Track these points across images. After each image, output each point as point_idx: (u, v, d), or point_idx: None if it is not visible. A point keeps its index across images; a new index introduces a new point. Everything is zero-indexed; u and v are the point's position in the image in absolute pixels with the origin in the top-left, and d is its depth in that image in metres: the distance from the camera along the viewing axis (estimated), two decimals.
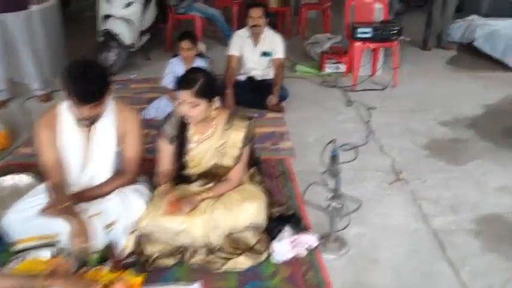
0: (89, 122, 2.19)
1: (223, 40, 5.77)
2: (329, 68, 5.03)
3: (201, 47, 5.73)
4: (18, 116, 3.96)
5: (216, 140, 2.30)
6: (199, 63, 3.86)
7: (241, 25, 4.43)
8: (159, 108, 3.83)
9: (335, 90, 4.56)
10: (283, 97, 4.07)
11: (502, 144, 3.37)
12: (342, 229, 2.40)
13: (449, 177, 2.97)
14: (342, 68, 4.98)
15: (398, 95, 4.45)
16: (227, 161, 2.32)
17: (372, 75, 4.86)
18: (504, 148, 3.32)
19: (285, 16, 6.72)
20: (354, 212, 2.59)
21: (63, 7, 5.61)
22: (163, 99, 3.88)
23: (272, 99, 3.93)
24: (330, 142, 2.28)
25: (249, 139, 2.34)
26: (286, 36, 6.37)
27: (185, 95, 2.12)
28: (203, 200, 2.25)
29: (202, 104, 2.15)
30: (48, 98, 4.26)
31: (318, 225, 2.49)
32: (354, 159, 3.20)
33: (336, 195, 2.22)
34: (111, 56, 4.97)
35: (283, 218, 2.46)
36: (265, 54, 4.15)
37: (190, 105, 2.14)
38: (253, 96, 4.07)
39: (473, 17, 6.44)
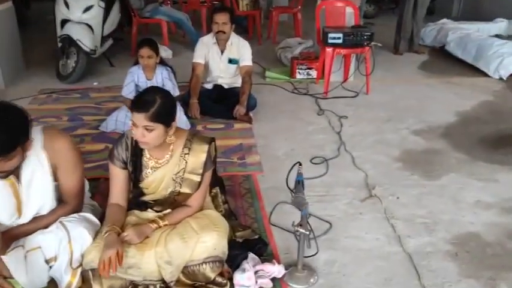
0: (5, 174, 1.86)
1: (192, 45, 5.54)
2: (300, 74, 4.86)
3: (167, 53, 5.53)
4: None
5: (172, 166, 2.08)
6: (161, 71, 3.64)
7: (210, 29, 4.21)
8: (118, 120, 3.59)
9: (306, 98, 4.40)
10: (251, 106, 3.88)
11: (476, 156, 3.26)
12: (311, 256, 2.21)
13: (423, 192, 2.83)
14: (313, 74, 4.83)
15: (370, 102, 4.31)
16: (185, 189, 2.11)
17: (343, 82, 4.72)
18: (479, 160, 3.21)
19: (255, 20, 6.53)
20: (323, 235, 2.41)
21: (22, 9, 5.30)
22: (122, 110, 3.64)
23: (239, 110, 3.73)
24: (294, 165, 2.09)
25: (210, 164, 2.13)
26: (257, 41, 6.29)
27: (139, 119, 1.90)
28: (157, 228, 2.04)
29: (158, 129, 1.93)
30: None
31: (285, 248, 2.31)
32: (324, 174, 3.03)
33: (304, 223, 2.03)
34: (70, 63, 4.70)
35: (247, 243, 2.27)
36: (231, 61, 3.96)
37: (144, 130, 1.92)
38: (220, 106, 3.87)
39: (445, 20, 6.41)
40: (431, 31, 6.17)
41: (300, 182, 2.02)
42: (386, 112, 4.05)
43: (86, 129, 3.63)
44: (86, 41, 4.62)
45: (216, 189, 2.47)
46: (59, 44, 4.72)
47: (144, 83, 3.67)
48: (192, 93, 3.80)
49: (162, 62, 3.72)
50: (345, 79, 4.77)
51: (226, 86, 4.02)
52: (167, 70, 3.68)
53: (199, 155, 2.08)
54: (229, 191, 2.76)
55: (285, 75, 4.93)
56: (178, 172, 2.08)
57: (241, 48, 3.93)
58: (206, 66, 3.99)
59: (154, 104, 1.89)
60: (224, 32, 3.80)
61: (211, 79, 4.05)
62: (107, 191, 2.21)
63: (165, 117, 1.93)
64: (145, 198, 2.14)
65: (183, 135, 2.11)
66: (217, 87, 4.02)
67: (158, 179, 2.08)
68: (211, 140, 2.15)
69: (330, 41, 4.31)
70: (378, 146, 3.42)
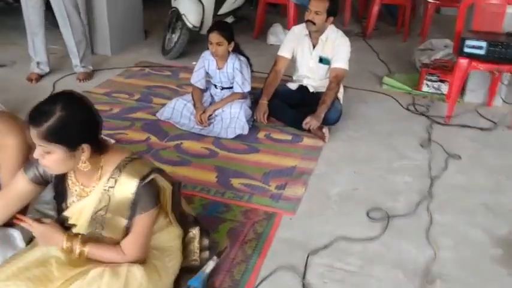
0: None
1: None
2: (428, 87, 3.81)
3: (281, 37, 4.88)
4: (37, 96, 3.65)
5: (93, 201, 1.55)
6: (233, 61, 3.10)
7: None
8: (175, 109, 3.18)
9: (420, 120, 3.38)
10: (331, 120, 3.08)
11: None
12: None
13: None
14: (445, 89, 3.73)
15: (507, 143, 3.11)
16: (109, 233, 1.57)
17: (483, 106, 3.53)
18: None
19: (405, 11, 5.45)
20: None
21: None
22: (182, 99, 3.21)
23: (311, 122, 2.97)
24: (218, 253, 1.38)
25: (144, 207, 1.54)
26: (401, 37, 5.24)
27: (33, 135, 1.41)
28: (68, 251, 1.55)
29: (56, 152, 1.41)
30: (86, 77, 3.90)
31: None
32: (373, 238, 2.16)
33: None
34: (174, 38, 4.44)
35: None
36: (322, 60, 3.19)
37: (41, 151, 1.42)
38: (296, 112, 3.16)
39: None
40: None
41: None
42: None
43: (146, 113, 3.31)
44: (191, 16, 4.29)
45: (196, 231, 1.88)
46: (169, 17, 4.50)
47: (214, 72, 3.18)
48: (264, 91, 3.16)
49: (238, 51, 3.17)
50: (488, 103, 3.57)
51: (312, 89, 3.28)
52: (240, 61, 3.12)
53: (125, 193, 1.51)
54: (233, 231, 2.13)
55: (408, 85, 3.91)
56: (100, 210, 1.54)
57: (336, 46, 3.13)
58: (293, 62, 3.31)
59: (50, 118, 1.37)
60: (313, 23, 3.05)
61: (297, 78, 3.35)
62: None
63: (65, 137, 1.40)
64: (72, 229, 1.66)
65: (116, 159, 1.55)
66: (302, 89, 3.30)
67: (77, 212, 1.58)
68: (148, 173, 1.54)
69: (466, 50, 3.19)
70: (479, 213, 2.37)
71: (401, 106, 3.59)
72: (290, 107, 3.21)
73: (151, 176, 1.54)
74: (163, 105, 3.32)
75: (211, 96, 3.29)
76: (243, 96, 3.17)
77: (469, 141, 3.09)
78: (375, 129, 3.21)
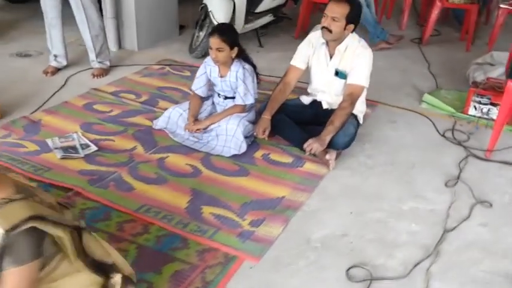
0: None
1: (369, 38, 4.35)
2: (476, 110, 3.23)
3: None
4: (46, 90, 3.53)
5: None
6: (237, 69, 2.77)
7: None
8: (170, 118, 2.91)
9: (454, 151, 2.84)
10: (340, 145, 2.65)
11: None
12: None
13: None
14: (495, 114, 3.13)
15: None
16: None
17: None
18: None
19: (471, 17, 4.76)
20: None
21: None
22: (178, 107, 2.93)
23: (312, 145, 2.56)
24: None
25: (16, 260, 1.26)
26: (465, 45, 4.59)
27: None
28: None
29: None
30: (101, 73, 3.74)
31: None
32: None
33: None
34: (201, 36, 4.18)
35: None
36: (338, 74, 2.75)
37: None
38: (303, 130, 2.76)
39: None
40: None
41: None
42: None
43: (145, 118, 3.07)
44: (219, 14, 3.99)
45: (117, 278, 1.59)
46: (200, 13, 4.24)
47: (216, 80, 2.87)
48: (268, 105, 2.79)
49: (243, 57, 2.83)
50: None
51: (326, 106, 2.86)
52: (244, 69, 2.78)
53: None
54: (178, 275, 1.82)
55: (454, 105, 3.34)
56: None
57: (356, 58, 2.68)
58: (308, 73, 2.90)
59: None
60: (329, 31, 2.62)
61: (311, 91, 2.94)
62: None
63: None
64: None
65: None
66: (315, 104, 2.89)
67: None
68: (20, 224, 1.25)
69: None
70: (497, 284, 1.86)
71: (437, 131, 3.05)
72: (300, 124, 2.81)
73: (28, 225, 1.26)
74: (166, 110, 3.05)
75: (214, 104, 2.98)
76: (244, 109, 2.82)
77: (508, 185, 2.53)
78: (394, 158, 2.73)
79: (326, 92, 2.84)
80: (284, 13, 4.93)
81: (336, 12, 2.58)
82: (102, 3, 4.13)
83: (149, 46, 4.40)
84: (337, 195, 2.39)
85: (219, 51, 2.68)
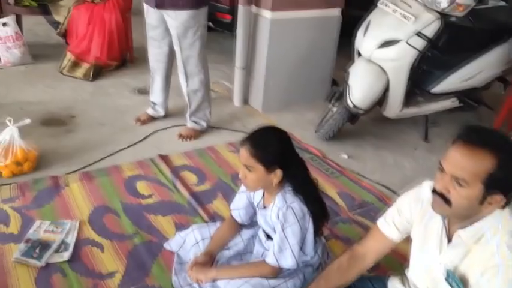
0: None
1: None
2: None
3: None
4: (126, 138, 2.97)
5: None
6: (282, 204, 1.67)
7: None
8: (186, 243, 1.96)
9: None
10: None
11: None
12: None
13: None
14: None
15: None
16: None
17: None
18: None
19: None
20: None
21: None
22: (197, 230, 1.95)
23: None
24: None
25: None
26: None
27: None
28: None
29: None
30: (190, 134, 3.04)
31: None
32: None
33: None
34: (332, 112, 3.09)
35: None
36: (449, 278, 1.37)
37: None
38: None
39: None
40: None
41: None
42: None
43: (175, 220, 2.21)
44: (356, 91, 2.85)
45: None
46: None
47: (258, 208, 1.83)
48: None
49: (295, 186, 1.69)
50: None
51: None
52: (289, 208, 1.65)
53: None
54: None
55: None
56: None
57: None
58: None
59: None
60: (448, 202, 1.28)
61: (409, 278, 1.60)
62: None
63: None
64: None
65: None
66: None
67: None
68: None
69: None
70: None
71: None
72: None
73: None
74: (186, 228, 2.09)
75: (253, 238, 1.92)
76: (276, 273, 1.69)
77: None
78: None
79: None
80: (478, 100, 3.40)
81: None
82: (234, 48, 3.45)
83: (277, 109, 3.52)
84: None
85: (249, 168, 1.62)
